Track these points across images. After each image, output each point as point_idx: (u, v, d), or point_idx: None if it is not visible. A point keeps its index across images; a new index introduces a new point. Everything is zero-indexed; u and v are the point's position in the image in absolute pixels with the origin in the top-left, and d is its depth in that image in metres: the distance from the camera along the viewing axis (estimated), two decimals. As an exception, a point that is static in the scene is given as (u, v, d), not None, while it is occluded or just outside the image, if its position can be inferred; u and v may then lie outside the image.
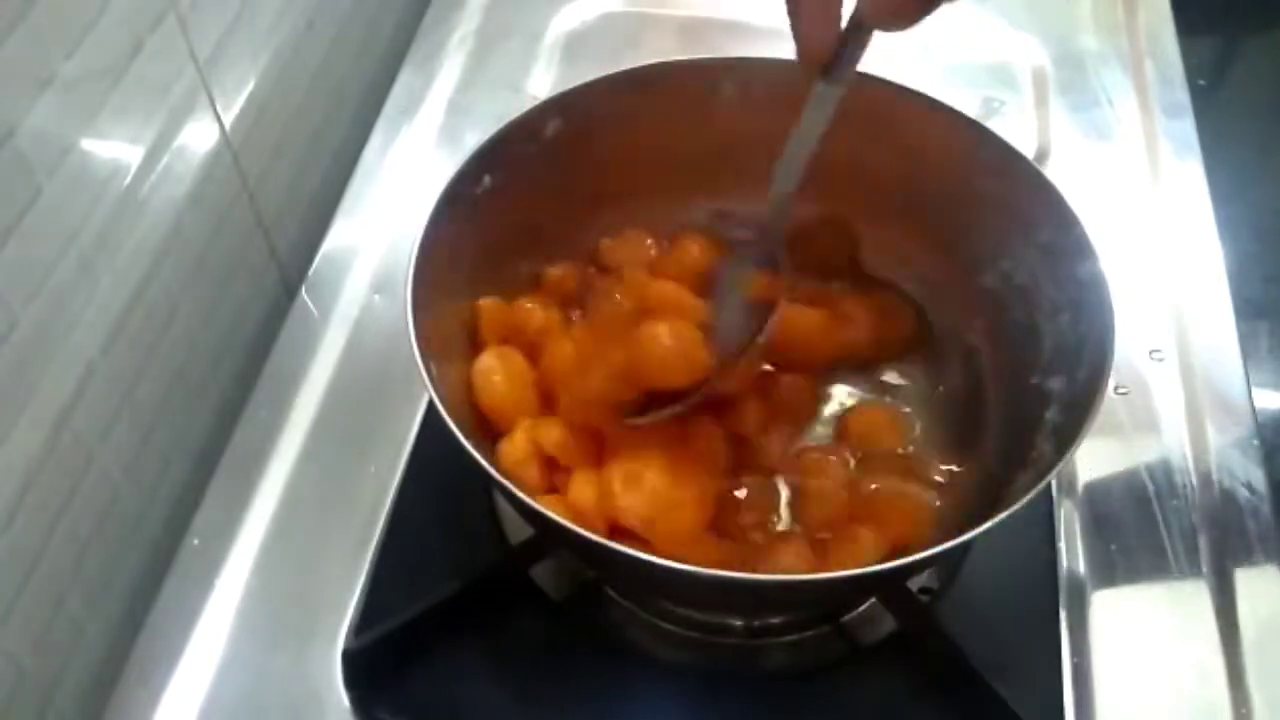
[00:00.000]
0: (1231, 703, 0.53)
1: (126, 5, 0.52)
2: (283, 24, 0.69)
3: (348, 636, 0.55)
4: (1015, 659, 0.53)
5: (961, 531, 0.44)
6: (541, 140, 0.57)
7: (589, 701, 0.53)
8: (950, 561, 0.56)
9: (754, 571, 0.49)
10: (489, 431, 0.53)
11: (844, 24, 0.43)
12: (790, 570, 0.50)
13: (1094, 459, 0.61)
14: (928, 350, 0.60)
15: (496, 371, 0.54)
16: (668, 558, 0.42)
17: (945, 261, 0.59)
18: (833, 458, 0.55)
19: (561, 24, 0.87)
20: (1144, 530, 0.59)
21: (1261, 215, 0.86)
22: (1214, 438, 0.62)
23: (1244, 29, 1.08)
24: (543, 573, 0.56)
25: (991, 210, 0.56)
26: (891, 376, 0.60)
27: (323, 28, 0.74)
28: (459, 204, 0.53)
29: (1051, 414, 0.50)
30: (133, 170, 0.55)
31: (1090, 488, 0.61)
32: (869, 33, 0.43)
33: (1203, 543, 0.59)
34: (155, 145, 0.56)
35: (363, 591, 0.56)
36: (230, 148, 0.64)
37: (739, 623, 0.55)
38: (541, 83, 0.82)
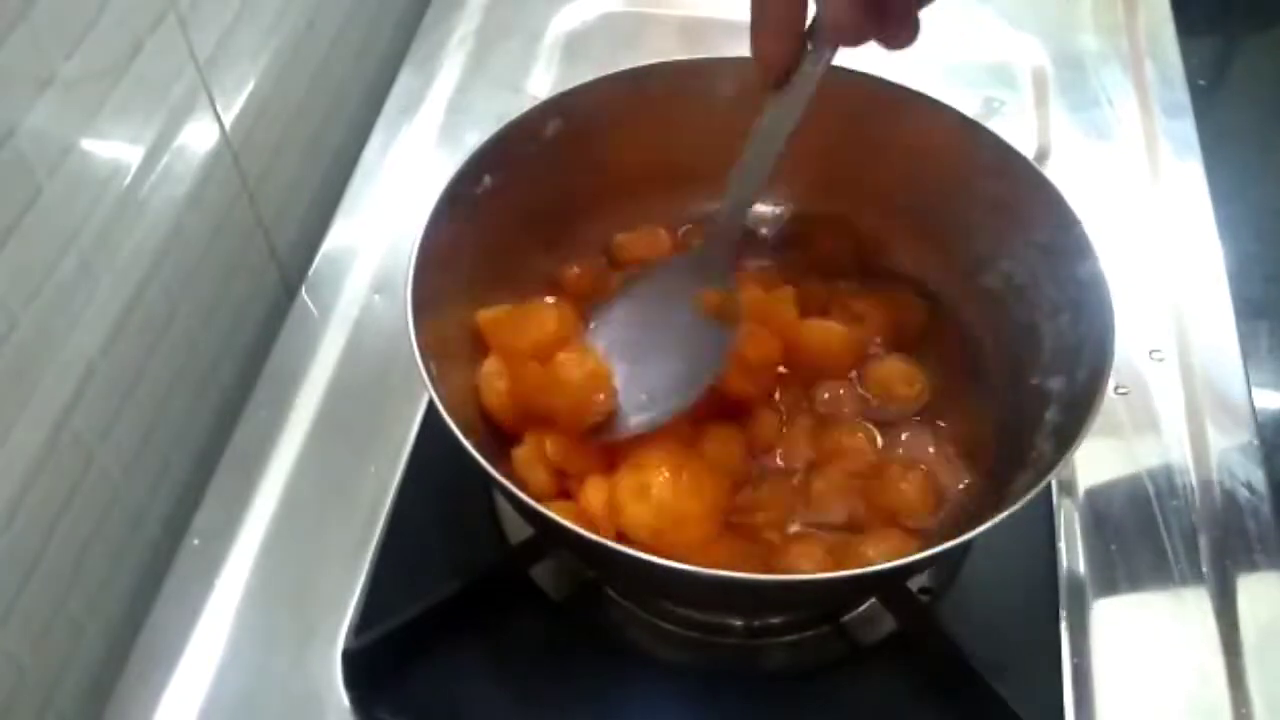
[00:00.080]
0: (1231, 703, 0.53)
1: (126, 5, 0.52)
2: (283, 24, 0.69)
3: (348, 636, 0.55)
4: (1015, 659, 0.53)
5: (961, 531, 0.44)
6: (541, 140, 0.57)
7: (589, 701, 0.53)
8: (950, 561, 0.56)
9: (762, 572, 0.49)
10: (500, 436, 0.53)
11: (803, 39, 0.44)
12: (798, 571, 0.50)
13: (1094, 459, 0.61)
14: (940, 344, 0.59)
15: (500, 376, 0.53)
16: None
17: (945, 261, 0.59)
18: (857, 437, 0.55)
19: (561, 24, 0.87)
20: (1144, 530, 0.59)
21: (1261, 215, 0.86)
22: (1214, 438, 0.62)
23: (1244, 29, 1.08)
24: (543, 573, 0.56)
25: (991, 210, 0.56)
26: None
27: (323, 28, 0.74)
28: (459, 204, 0.53)
29: (1051, 414, 0.50)
30: (133, 170, 0.55)
31: (1090, 488, 0.61)
32: (828, 46, 0.44)
33: (1203, 543, 0.58)
34: (155, 145, 0.56)
35: (363, 591, 0.56)
36: (230, 148, 0.64)
37: (739, 623, 0.55)
38: (541, 83, 0.82)
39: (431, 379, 0.47)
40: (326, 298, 0.69)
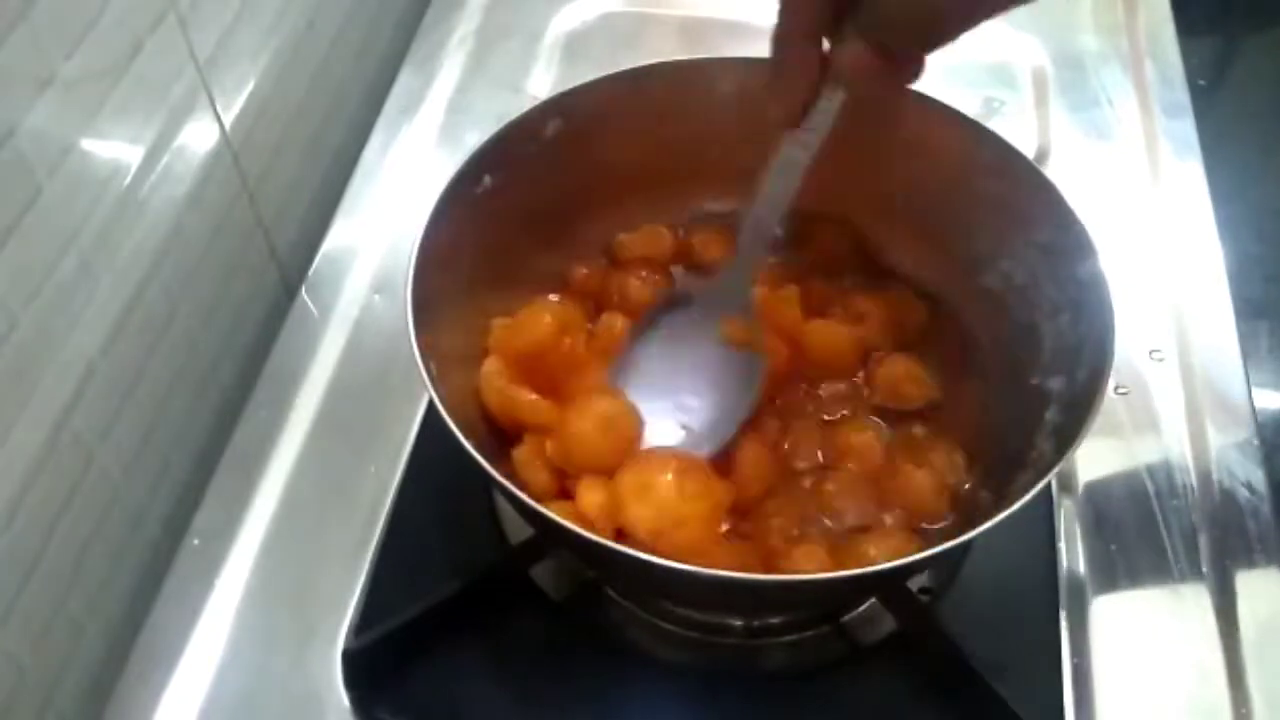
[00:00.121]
0: (1231, 702, 0.53)
1: (126, 5, 0.52)
2: (283, 24, 0.69)
3: (348, 636, 0.55)
4: (1015, 659, 0.53)
5: (961, 531, 0.44)
6: (541, 140, 0.57)
7: (589, 701, 0.53)
8: (950, 561, 0.56)
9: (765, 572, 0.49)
10: (500, 436, 0.53)
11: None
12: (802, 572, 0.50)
13: (1094, 459, 0.61)
14: (940, 344, 0.60)
15: (502, 376, 0.53)
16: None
17: (945, 261, 0.59)
18: (866, 435, 0.55)
19: (561, 24, 0.87)
20: (1144, 530, 0.59)
21: (1261, 215, 0.86)
22: (1214, 438, 0.62)
23: (1244, 29, 1.08)
24: (543, 573, 0.56)
25: (991, 210, 0.56)
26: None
27: (323, 28, 0.74)
28: (459, 204, 0.53)
29: (1051, 414, 0.50)
30: (133, 170, 0.55)
31: (1090, 488, 0.61)
32: (842, 90, 0.45)
33: (1203, 543, 0.59)
34: (155, 145, 0.56)
35: (363, 591, 0.56)
36: (230, 148, 0.64)
37: (739, 623, 0.55)
38: (541, 83, 0.82)
39: (431, 379, 0.47)
40: (326, 298, 0.69)
